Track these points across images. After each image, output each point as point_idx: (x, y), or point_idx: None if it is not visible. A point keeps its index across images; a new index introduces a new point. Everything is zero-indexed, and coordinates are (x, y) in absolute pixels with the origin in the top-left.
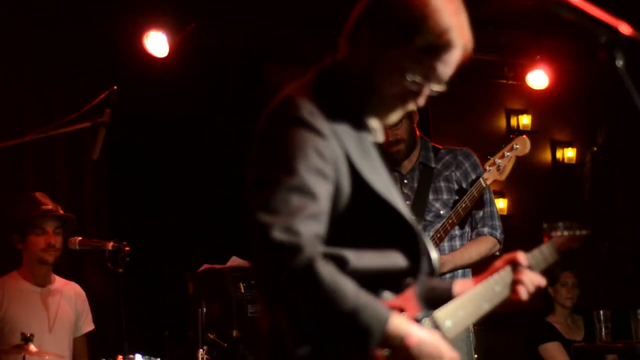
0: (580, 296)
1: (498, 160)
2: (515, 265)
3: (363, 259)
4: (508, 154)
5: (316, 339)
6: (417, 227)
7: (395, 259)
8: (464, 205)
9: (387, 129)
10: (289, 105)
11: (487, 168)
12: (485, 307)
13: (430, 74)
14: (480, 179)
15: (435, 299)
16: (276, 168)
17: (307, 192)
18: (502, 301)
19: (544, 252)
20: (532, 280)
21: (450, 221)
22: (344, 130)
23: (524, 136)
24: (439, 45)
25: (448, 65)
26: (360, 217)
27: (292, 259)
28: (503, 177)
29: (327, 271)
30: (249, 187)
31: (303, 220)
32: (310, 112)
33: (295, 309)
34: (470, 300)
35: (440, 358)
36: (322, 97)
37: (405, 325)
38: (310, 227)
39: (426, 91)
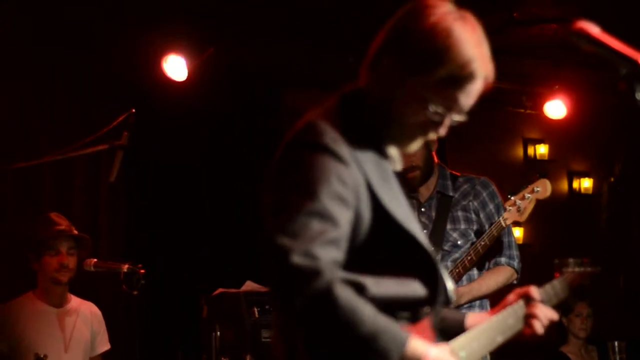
0: (594, 327)
1: (519, 202)
2: (528, 299)
3: (381, 286)
4: (529, 195)
5: None
6: (436, 257)
7: (413, 288)
8: (483, 244)
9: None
10: (312, 131)
11: (508, 208)
12: (499, 339)
13: (451, 105)
14: (500, 219)
15: (446, 330)
16: (298, 192)
17: (327, 218)
18: (515, 334)
19: (556, 287)
20: (545, 314)
21: (469, 258)
22: (366, 158)
23: (546, 179)
24: (461, 76)
25: (470, 95)
26: (380, 245)
27: (311, 283)
28: (523, 218)
29: (346, 295)
30: (266, 210)
31: (323, 245)
32: (333, 138)
33: (314, 332)
34: (484, 332)
35: None
36: (344, 123)
37: (422, 347)
38: (330, 252)
39: (447, 121)
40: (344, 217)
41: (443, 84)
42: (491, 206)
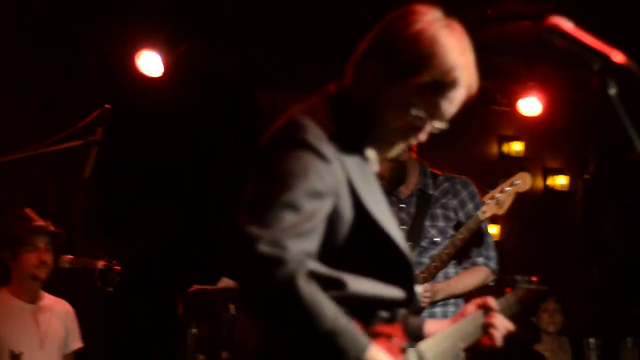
0: (569, 323)
1: (497, 195)
2: (486, 310)
3: (360, 284)
4: (508, 188)
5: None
6: (412, 258)
7: (390, 288)
8: (460, 237)
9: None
10: (296, 128)
11: (486, 201)
12: (460, 345)
13: (433, 111)
14: (479, 212)
15: (408, 334)
16: (275, 185)
17: (301, 211)
18: (475, 342)
19: (510, 301)
20: (503, 324)
21: (447, 252)
22: (348, 157)
23: (525, 172)
24: (445, 82)
25: (452, 103)
26: (359, 244)
27: (274, 271)
28: (502, 211)
29: (308, 289)
30: (245, 205)
31: (293, 237)
32: (316, 136)
33: (274, 323)
34: (447, 337)
35: None
36: (328, 122)
37: (382, 357)
38: (300, 244)
39: (428, 127)
40: (318, 211)
41: (426, 89)
42: (470, 205)
